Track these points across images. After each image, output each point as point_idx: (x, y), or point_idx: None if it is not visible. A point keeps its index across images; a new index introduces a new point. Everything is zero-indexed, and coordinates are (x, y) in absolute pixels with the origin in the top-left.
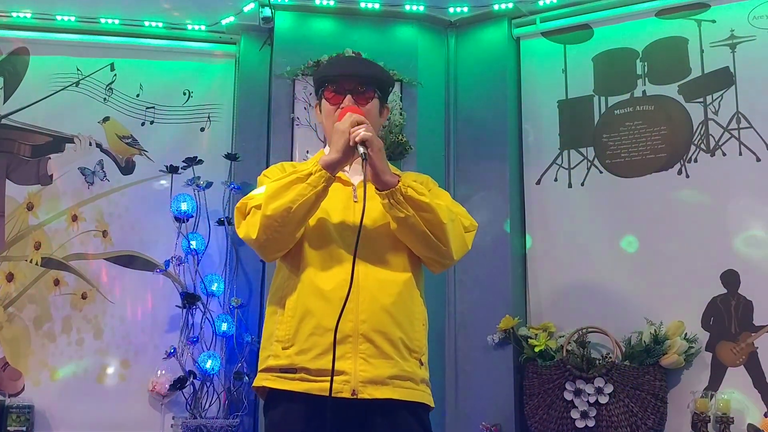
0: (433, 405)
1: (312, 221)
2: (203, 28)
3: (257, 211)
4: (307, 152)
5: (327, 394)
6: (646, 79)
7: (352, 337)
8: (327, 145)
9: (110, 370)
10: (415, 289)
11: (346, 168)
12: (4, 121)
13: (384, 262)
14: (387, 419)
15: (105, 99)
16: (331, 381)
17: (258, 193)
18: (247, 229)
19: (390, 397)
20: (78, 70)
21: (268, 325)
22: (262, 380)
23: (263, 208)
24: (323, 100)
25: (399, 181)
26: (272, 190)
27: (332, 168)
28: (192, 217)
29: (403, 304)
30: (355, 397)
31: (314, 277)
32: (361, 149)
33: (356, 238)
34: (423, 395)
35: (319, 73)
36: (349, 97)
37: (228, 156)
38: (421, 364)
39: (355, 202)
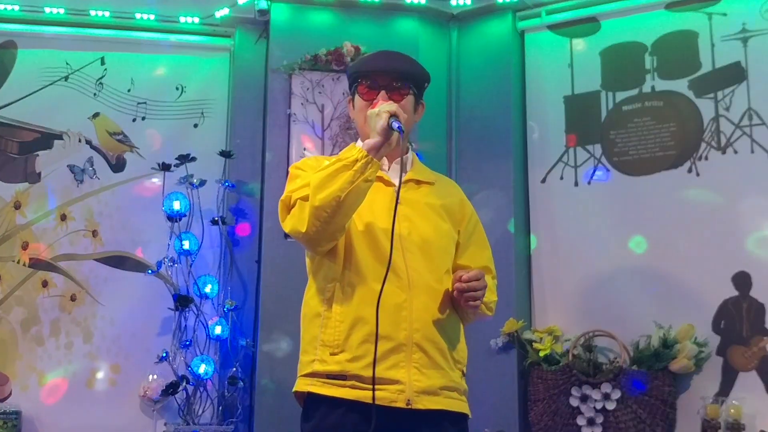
0: (470, 415)
1: (357, 224)
2: (197, 20)
3: (304, 203)
4: (305, 149)
5: (380, 403)
6: (655, 74)
7: (406, 346)
8: (359, 141)
9: (100, 375)
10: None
11: (386, 168)
12: None
13: (433, 272)
14: (432, 430)
15: (95, 94)
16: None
17: (301, 185)
18: (294, 222)
19: (440, 408)
20: (67, 64)
21: (310, 329)
22: (306, 385)
23: (311, 198)
24: (356, 96)
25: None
26: (318, 179)
27: (375, 151)
28: (185, 216)
29: (449, 314)
30: (409, 407)
31: (364, 282)
32: (395, 124)
33: (393, 217)
34: (465, 406)
35: (353, 68)
36: (383, 93)
37: (222, 153)
38: (463, 375)
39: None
